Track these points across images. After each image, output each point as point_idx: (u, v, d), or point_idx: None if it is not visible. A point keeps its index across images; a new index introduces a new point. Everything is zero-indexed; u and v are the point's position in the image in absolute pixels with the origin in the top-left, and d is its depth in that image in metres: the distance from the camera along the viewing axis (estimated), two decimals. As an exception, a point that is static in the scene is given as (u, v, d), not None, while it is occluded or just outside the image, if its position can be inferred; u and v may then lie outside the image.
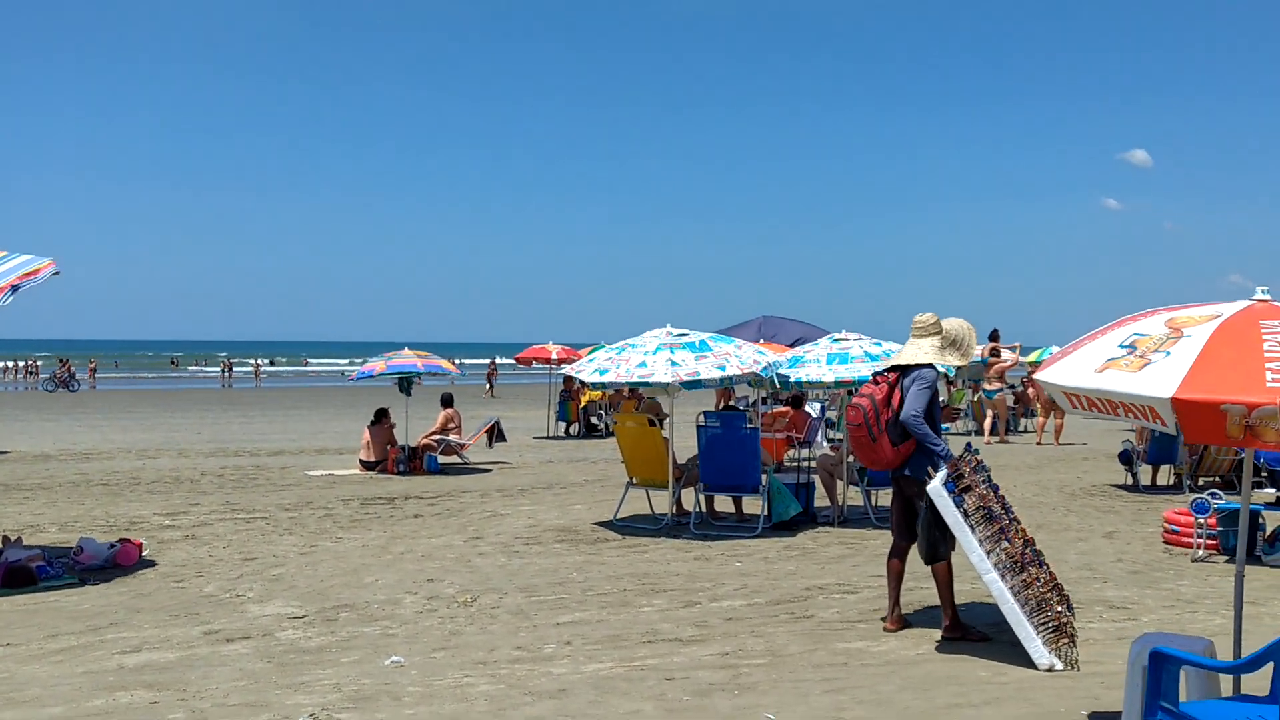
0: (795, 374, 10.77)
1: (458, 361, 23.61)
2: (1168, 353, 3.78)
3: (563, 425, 23.41)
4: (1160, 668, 3.58)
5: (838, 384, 10.74)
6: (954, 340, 6.75)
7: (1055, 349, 23.40)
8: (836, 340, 11.17)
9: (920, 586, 7.48)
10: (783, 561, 8.91)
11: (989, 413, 20.94)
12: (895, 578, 6.71)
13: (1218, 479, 13.51)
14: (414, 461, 15.73)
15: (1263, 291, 4.12)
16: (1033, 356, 25.99)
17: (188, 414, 30.56)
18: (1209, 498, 9.08)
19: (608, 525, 10.77)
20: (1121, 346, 3.97)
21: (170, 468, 16.29)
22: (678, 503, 10.92)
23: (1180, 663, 3.60)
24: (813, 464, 12.18)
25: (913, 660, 6.02)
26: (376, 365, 16.34)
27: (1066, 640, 5.93)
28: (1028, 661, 5.83)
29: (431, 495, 13.15)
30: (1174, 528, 9.63)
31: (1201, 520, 9.04)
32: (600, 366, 10.36)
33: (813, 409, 17.60)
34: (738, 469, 10.41)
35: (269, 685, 5.51)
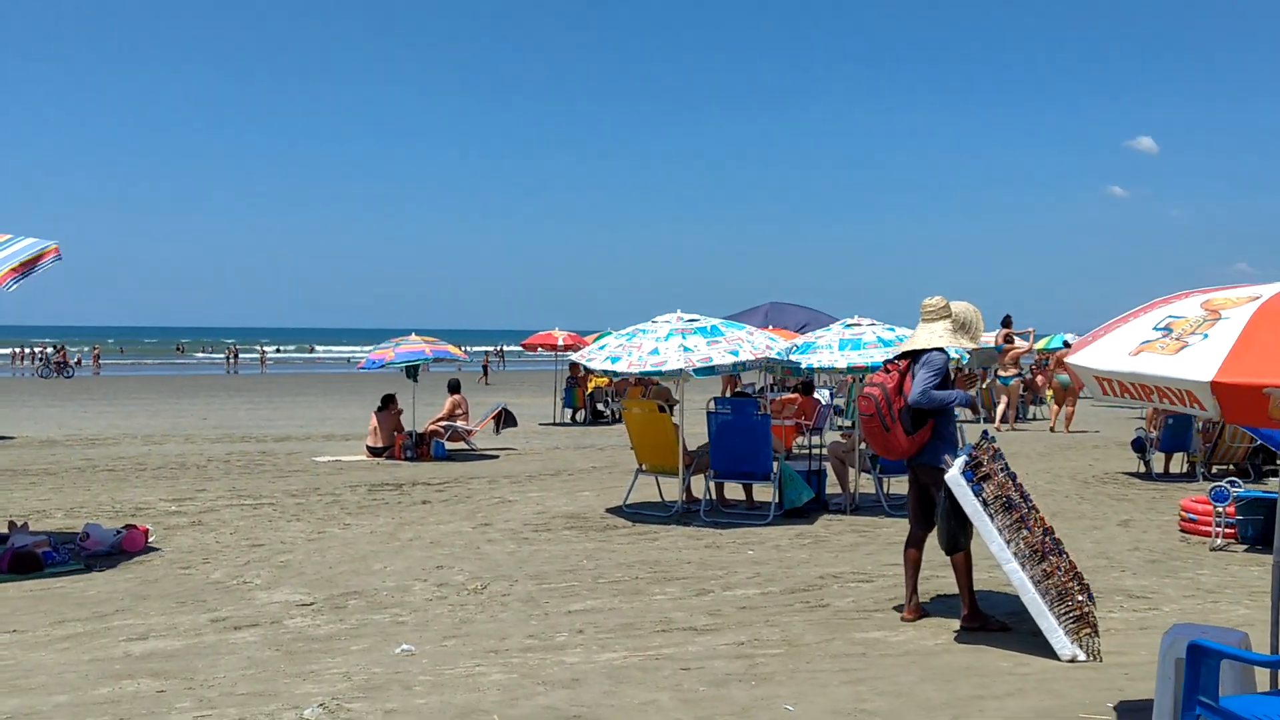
0: (807, 360, 10.64)
1: (465, 348, 23.51)
2: (1205, 335, 3.66)
3: (569, 412, 23.33)
4: (1199, 661, 3.46)
5: (850, 370, 10.61)
6: (963, 324, 6.62)
7: (1067, 336, 23.21)
8: (849, 326, 11.03)
9: (936, 575, 7.37)
10: (795, 549, 8.81)
11: (1001, 399, 20.80)
12: (913, 567, 6.59)
13: (1231, 466, 13.38)
14: (421, 447, 15.64)
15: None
16: (1042, 344, 25.84)
17: (194, 400, 30.52)
18: (1228, 486, 8.96)
19: (617, 512, 10.68)
20: (1156, 329, 3.85)
21: (176, 453, 16.22)
22: (688, 489, 10.82)
23: (1220, 656, 3.49)
24: (823, 450, 12.07)
25: (932, 650, 5.91)
26: (385, 353, 16.23)
27: (1089, 630, 5.82)
28: (1049, 652, 5.73)
29: (439, 481, 13.06)
30: (1191, 516, 9.50)
31: (1220, 509, 8.92)
32: (612, 354, 10.22)
33: (821, 395, 17.49)
34: (749, 455, 10.29)
35: (277, 674, 5.42)
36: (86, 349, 61.70)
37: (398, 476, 13.54)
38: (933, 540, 6.42)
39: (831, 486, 11.34)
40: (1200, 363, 3.53)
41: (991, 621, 6.32)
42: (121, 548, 8.45)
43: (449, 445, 16.03)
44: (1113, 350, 3.88)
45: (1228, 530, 8.99)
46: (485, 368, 44.21)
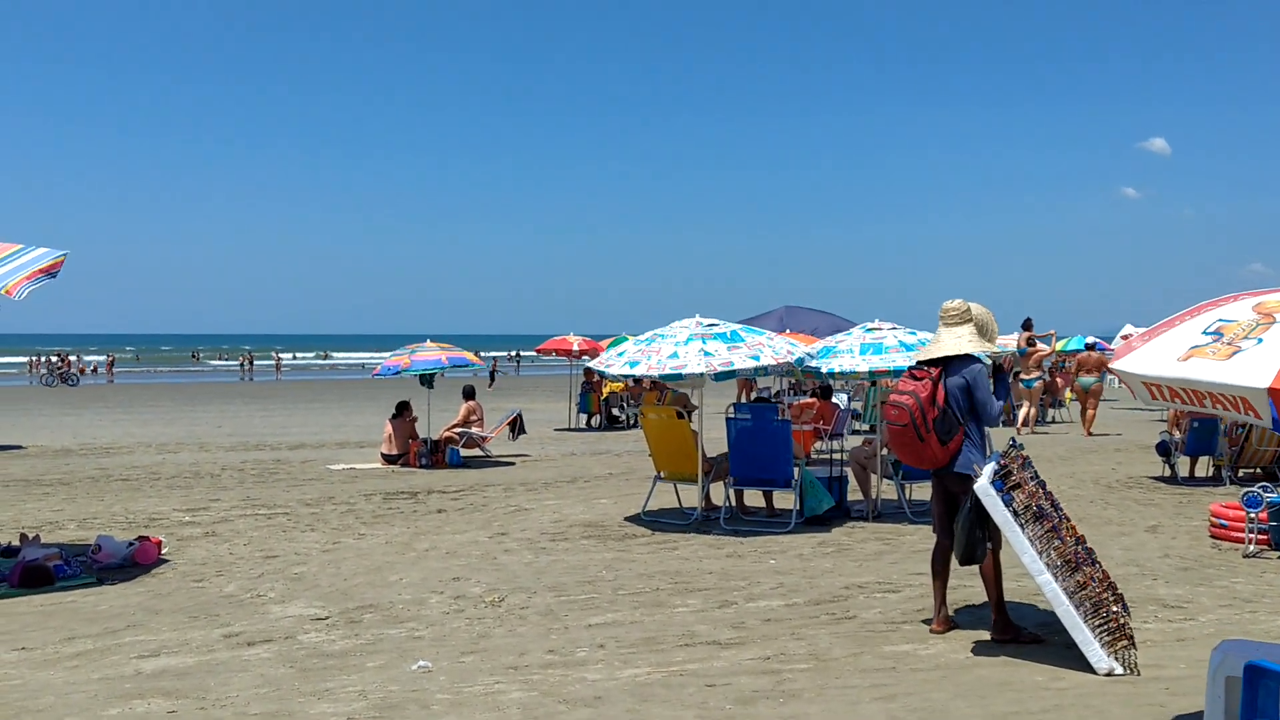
0: (827, 365, 10.46)
1: (481, 354, 23.41)
2: (1260, 340, 3.49)
3: (584, 417, 23.19)
4: (1257, 682, 3.29)
5: (871, 375, 10.43)
6: (982, 326, 6.46)
7: (1086, 338, 22.87)
8: (870, 330, 10.83)
9: (963, 585, 7.20)
10: (818, 559, 8.63)
11: (1024, 403, 20.53)
12: (940, 577, 6.41)
13: (1258, 470, 13.14)
14: (436, 455, 15.51)
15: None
16: (1060, 345, 25.58)
17: (208, 408, 30.50)
18: (1261, 491, 8.75)
19: (635, 520, 10.52)
20: (1206, 333, 3.68)
21: (190, 462, 16.14)
22: (707, 497, 10.65)
23: (1281, 678, 3.31)
24: (844, 456, 11.88)
25: (963, 664, 5.73)
26: (401, 360, 16.14)
27: (1126, 643, 5.64)
28: (1084, 665, 5.54)
29: (455, 489, 12.93)
30: (1222, 522, 9.29)
31: (1253, 515, 8.70)
32: (631, 359, 10.07)
33: (839, 400, 17.31)
34: (769, 462, 10.12)
35: (291, 692, 5.28)
36: (102, 358, 61.79)
37: (413, 484, 13.42)
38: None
39: (853, 493, 11.16)
40: (1256, 368, 3.36)
41: (1024, 633, 6.14)
42: (134, 560, 8.34)
43: (464, 452, 15.91)
44: (1160, 355, 3.71)
45: (1260, 536, 8.77)
46: (492, 373, 44.23)
